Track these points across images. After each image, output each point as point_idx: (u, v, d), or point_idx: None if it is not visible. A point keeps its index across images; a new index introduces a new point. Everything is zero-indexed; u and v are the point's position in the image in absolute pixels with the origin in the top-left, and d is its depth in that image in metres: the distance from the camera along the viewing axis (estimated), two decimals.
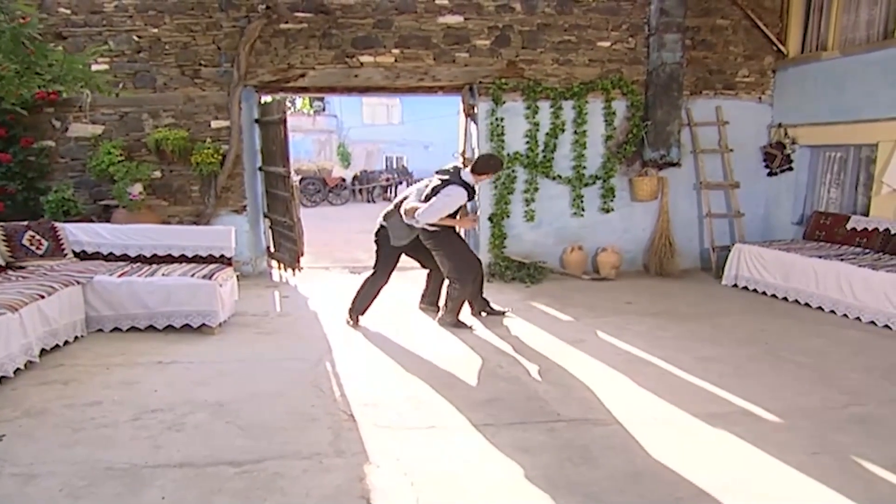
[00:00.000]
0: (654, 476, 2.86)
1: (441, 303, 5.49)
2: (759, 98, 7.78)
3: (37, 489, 2.72)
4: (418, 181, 5.95)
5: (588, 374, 4.19)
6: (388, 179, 22.63)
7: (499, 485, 2.82)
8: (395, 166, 25.77)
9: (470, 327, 5.29)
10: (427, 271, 5.76)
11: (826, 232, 6.72)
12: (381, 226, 5.34)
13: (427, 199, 5.02)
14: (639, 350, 4.69)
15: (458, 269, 5.22)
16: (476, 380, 4.11)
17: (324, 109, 25.14)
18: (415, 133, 24.80)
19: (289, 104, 24.09)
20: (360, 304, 5.38)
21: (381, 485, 2.80)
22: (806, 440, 3.22)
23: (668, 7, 7.02)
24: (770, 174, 7.74)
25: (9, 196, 6.37)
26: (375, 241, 5.41)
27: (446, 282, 5.39)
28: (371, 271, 5.41)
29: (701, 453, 3.08)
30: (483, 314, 5.64)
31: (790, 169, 7.52)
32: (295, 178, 19.95)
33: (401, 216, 5.19)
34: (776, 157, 7.57)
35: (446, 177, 5.09)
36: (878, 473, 2.89)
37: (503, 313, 5.69)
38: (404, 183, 21.38)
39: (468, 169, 5.17)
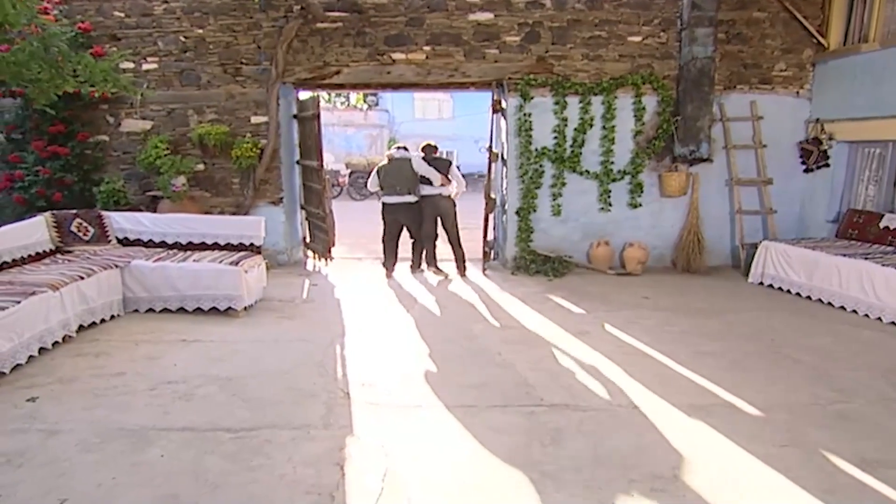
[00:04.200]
0: (614, 459, 2.98)
1: (459, 264, 7.35)
2: (797, 92, 7.58)
3: (57, 442, 3.10)
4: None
5: (583, 364, 4.30)
6: None
7: (464, 459, 3.00)
8: None
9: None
10: (412, 242, 7.41)
11: (859, 230, 6.53)
12: (411, 202, 7.04)
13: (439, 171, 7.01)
14: (641, 343, 4.75)
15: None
16: (473, 365, 4.29)
17: (376, 104, 25.60)
18: (465, 128, 24.89)
19: (343, 99, 24.75)
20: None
21: (357, 454, 3.04)
22: (779, 433, 3.26)
23: (699, 1, 6.95)
24: (806, 170, 7.54)
25: (66, 186, 6.94)
26: (410, 218, 7.11)
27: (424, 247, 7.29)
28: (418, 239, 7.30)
29: (668, 441, 3.17)
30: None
31: (827, 165, 7.31)
32: (345, 172, 20.43)
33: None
34: (812, 154, 7.38)
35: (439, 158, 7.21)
36: (841, 467, 2.91)
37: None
38: None
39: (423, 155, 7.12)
